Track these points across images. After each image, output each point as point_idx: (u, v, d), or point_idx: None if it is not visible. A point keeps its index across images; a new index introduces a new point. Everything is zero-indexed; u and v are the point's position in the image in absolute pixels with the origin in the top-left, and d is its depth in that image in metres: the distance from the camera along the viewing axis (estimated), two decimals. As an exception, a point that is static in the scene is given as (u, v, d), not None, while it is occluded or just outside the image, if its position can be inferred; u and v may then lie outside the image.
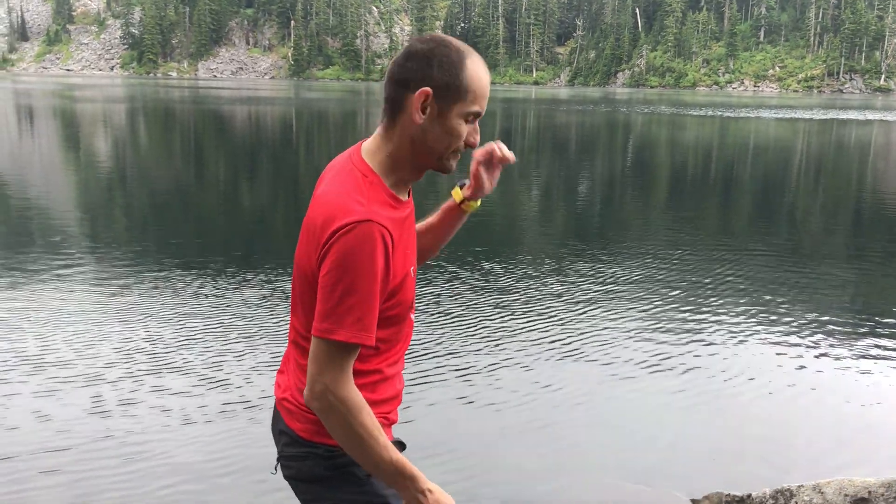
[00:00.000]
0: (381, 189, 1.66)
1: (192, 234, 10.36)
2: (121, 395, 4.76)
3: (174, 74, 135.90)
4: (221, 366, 5.28)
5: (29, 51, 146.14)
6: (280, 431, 1.80)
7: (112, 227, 10.85)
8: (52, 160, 19.16)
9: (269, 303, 6.72)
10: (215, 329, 6.04)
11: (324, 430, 1.68)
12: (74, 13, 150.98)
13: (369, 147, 1.72)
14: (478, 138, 1.74)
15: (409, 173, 1.73)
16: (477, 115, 1.70)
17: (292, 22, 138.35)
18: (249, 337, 5.87)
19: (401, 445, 1.86)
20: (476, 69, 1.68)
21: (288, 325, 1.86)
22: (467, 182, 1.98)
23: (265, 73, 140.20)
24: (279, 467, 1.83)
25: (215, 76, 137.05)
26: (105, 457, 4.02)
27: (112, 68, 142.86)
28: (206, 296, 6.96)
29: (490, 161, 1.94)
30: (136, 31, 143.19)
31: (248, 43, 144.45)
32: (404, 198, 1.73)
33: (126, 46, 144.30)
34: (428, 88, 1.63)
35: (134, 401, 4.70)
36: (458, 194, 2.00)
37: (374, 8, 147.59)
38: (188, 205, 13.15)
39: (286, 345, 1.86)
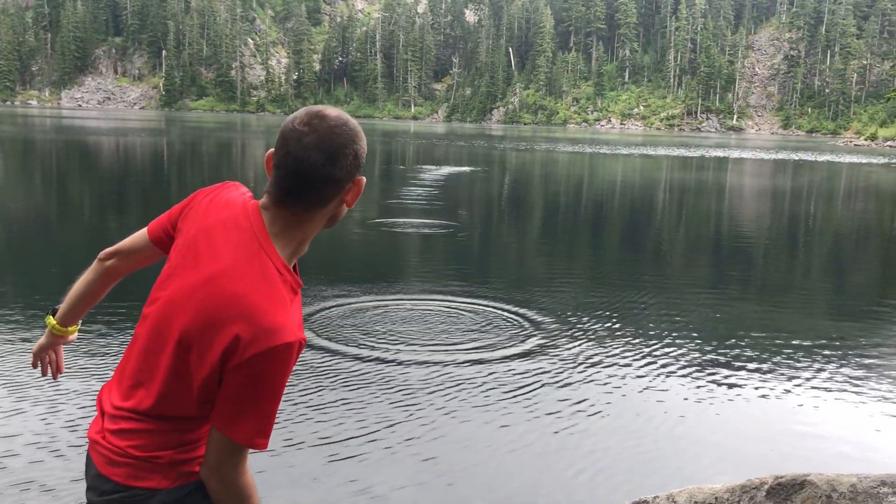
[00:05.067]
0: (292, 287, 1.65)
1: (54, 271, 9.87)
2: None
3: (34, 103, 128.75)
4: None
5: None
6: (104, 478, 1.68)
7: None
8: None
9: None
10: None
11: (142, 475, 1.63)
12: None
13: (275, 231, 1.65)
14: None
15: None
16: None
17: (164, 52, 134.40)
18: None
19: None
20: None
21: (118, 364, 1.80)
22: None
23: (135, 104, 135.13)
24: None
25: (80, 105, 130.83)
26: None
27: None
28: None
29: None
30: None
31: (115, 72, 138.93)
32: None
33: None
34: (362, 178, 1.67)
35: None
36: (53, 326, 2.13)
37: (250, 40, 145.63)
38: (49, 241, 12.50)
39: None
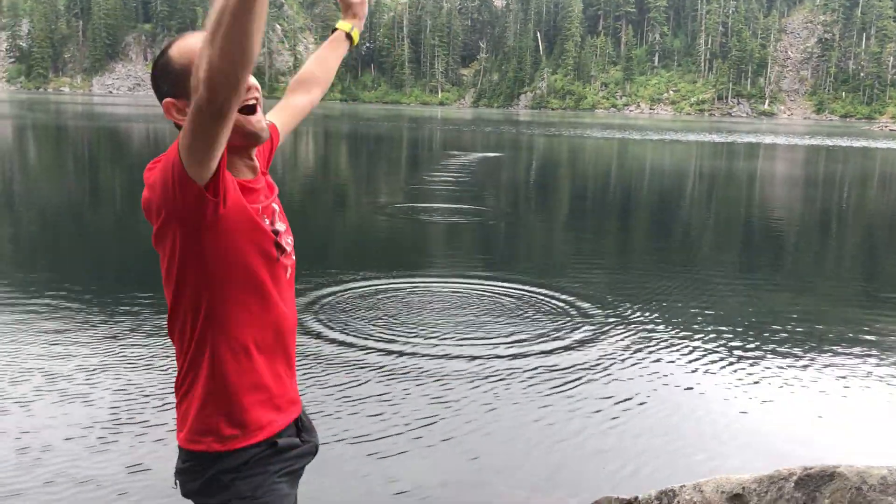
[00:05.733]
0: None
1: (88, 258, 10.02)
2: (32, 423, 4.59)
3: (66, 90, 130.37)
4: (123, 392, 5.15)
5: None
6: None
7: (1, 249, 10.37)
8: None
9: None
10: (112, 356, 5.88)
11: (199, 437, 1.80)
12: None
13: None
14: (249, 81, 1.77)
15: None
16: None
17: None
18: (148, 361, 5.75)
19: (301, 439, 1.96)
20: (181, 48, 1.78)
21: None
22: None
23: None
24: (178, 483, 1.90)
25: (111, 92, 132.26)
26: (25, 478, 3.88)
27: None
28: (100, 321, 6.77)
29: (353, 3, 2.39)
30: (25, 44, 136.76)
31: (145, 59, 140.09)
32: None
33: (13, 60, 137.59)
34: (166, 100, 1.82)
35: (49, 426, 4.54)
36: (344, 27, 2.40)
37: (277, 26, 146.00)
38: (81, 226, 12.69)
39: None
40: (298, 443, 1.95)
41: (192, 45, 1.76)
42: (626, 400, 5.33)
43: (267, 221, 1.84)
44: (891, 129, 77.46)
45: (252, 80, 1.78)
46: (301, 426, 1.99)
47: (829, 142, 47.94)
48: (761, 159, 34.12)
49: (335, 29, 2.43)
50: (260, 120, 1.83)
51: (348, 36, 2.41)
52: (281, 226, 1.90)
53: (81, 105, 70.06)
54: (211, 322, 1.79)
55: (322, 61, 2.40)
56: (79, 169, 22.20)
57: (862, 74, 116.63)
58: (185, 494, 1.87)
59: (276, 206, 1.92)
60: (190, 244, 1.72)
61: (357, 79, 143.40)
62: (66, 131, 36.79)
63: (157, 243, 1.79)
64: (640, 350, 6.39)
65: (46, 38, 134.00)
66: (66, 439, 4.41)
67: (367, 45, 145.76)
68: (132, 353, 5.86)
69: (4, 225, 12.21)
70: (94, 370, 5.47)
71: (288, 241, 1.92)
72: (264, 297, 1.83)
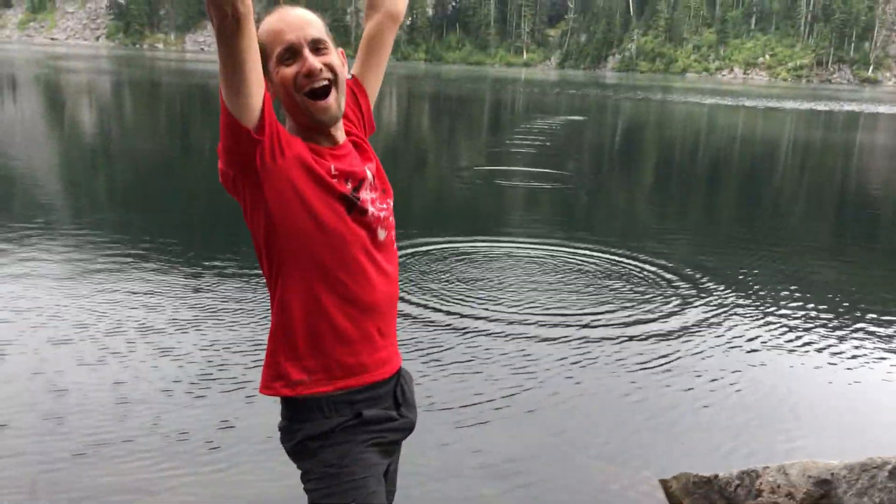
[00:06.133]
0: None
1: (180, 213, 10.37)
2: (120, 371, 4.82)
3: (161, 46, 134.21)
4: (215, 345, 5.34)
5: (12, 18, 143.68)
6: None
7: (95, 202, 10.82)
8: (32, 132, 19.00)
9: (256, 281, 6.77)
10: (210, 307, 6.10)
11: (271, 382, 1.88)
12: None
13: None
14: (311, 64, 1.83)
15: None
16: (288, 51, 1.83)
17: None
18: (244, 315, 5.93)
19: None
20: (263, 25, 1.85)
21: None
22: None
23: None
24: None
25: (203, 49, 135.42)
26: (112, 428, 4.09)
27: (97, 38, 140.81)
28: (196, 273, 7.01)
29: None
30: (123, 1, 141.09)
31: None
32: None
33: (112, 17, 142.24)
34: None
35: (139, 376, 4.76)
36: None
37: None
38: (174, 180, 13.12)
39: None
40: (392, 416, 1.95)
41: (270, 21, 1.88)
42: (709, 377, 5.22)
43: (348, 184, 1.86)
44: None
45: (315, 63, 1.81)
46: (400, 399, 2.00)
47: (937, 112, 45.14)
48: (861, 130, 32.43)
49: None
50: (328, 106, 1.84)
51: None
52: (368, 194, 1.91)
53: (174, 62, 71.99)
54: (281, 270, 1.84)
55: None
56: (171, 125, 22.91)
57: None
58: (287, 452, 1.94)
59: (367, 172, 1.93)
60: (256, 195, 1.79)
61: (442, 38, 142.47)
62: (159, 87, 37.96)
63: (237, 197, 1.86)
64: (726, 324, 6.22)
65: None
66: (160, 391, 4.60)
67: (454, 3, 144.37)
68: (223, 307, 6.05)
69: (101, 178, 12.74)
70: (185, 324, 5.68)
71: (381, 206, 1.94)
72: (341, 253, 1.84)
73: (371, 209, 1.90)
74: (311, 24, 1.86)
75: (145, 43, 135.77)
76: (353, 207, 1.86)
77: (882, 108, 47.25)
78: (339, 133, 1.92)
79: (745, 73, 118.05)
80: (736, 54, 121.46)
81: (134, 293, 6.34)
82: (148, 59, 76.63)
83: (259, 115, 1.71)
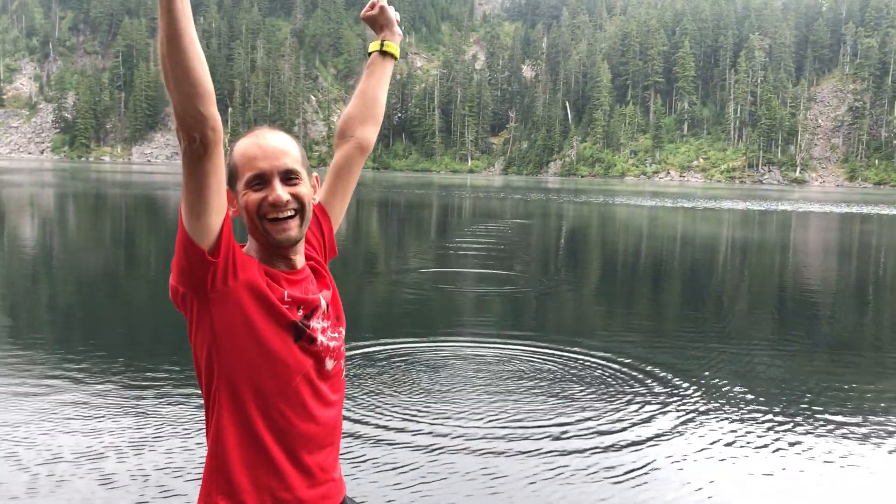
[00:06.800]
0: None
1: (121, 328, 10.08)
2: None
3: (107, 159, 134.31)
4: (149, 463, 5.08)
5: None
6: None
7: (32, 321, 10.47)
8: (-27, 246, 18.51)
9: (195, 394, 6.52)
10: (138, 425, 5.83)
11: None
12: (5, 96, 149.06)
13: None
14: (277, 196, 1.81)
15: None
16: (258, 178, 1.82)
17: (230, 108, 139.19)
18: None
19: None
20: (239, 145, 1.87)
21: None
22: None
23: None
24: None
25: (149, 161, 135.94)
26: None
27: (42, 152, 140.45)
28: (133, 388, 6.74)
29: (374, 16, 2.26)
30: (69, 115, 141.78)
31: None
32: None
33: (58, 130, 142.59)
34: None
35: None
36: (374, 45, 2.26)
37: (312, 97, 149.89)
38: (117, 292, 12.82)
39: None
40: None
41: (247, 143, 1.88)
42: (655, 467, 5.13)
43: (299, 311, 1.81)
44: (927, 197, 76.44)
45: (283, 196, 1.80)
46: None
47: (864, 209, 47.41)
48: (794, 229, 33.75)
49: (369, 54, 2.30)
50: (288, 227, 1.82)
51: (383, 53, 2.26)
52: (319, 323, 1.86)
53: (120, 174, 71.84)
54: (219, 393, 1.77)
55: (361, 95, 2.27)
56: (115, 236, 22.61)
57: (895, 142, 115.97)
58: None
59: (321, 300, 1.89)
60: (203, 313, 1.75)
61: (388, 148, 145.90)
62: (104, 199, 37.65)
63: (184, 312, 1.81)
64: (670, 420, 6.18)
65: (90, 109, 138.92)
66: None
67: (399, 115, 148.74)
68: (164, 432, 5.79)
69: (39, 294, 12.38)
70: (126, 449, 5.40)
71: (332, 336, 1.89)
72: (283, 381, 1.78)
73: (321, 338, 1.85)
74: (286, 153, 1.85)
75: (92, 155, 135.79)
76: (302, 336, 1.81)
77: (813, 207, 49.45)
78: (299, 258, 1.89)
79: (681, 176, 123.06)
80: (671, 158, 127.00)
81: (69, 419, 6.03)
82: (93, 171, 76.31)
83: (216, 237, 1.70)
